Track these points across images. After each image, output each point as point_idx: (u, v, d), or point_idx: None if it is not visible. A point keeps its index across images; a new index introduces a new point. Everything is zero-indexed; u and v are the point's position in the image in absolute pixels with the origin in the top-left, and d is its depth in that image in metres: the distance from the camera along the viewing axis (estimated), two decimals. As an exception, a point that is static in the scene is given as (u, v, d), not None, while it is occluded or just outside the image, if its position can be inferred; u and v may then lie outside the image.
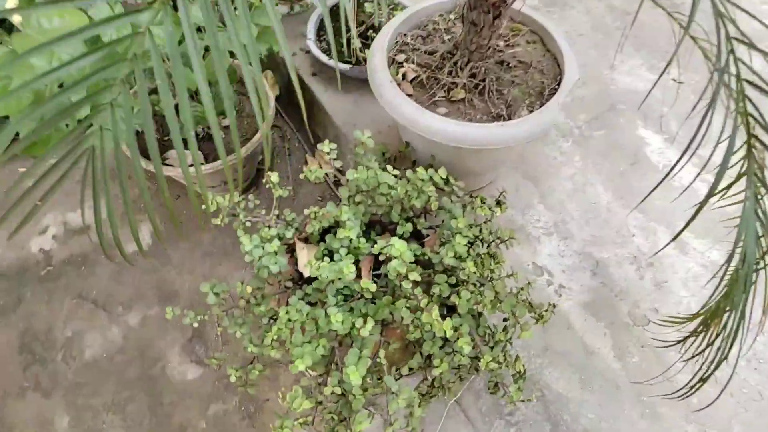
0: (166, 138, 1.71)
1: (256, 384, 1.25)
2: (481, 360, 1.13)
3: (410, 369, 1.24)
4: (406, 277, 1.06)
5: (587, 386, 1.42)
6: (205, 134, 1.71)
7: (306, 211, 1.28)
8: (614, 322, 1.50)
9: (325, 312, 1.02)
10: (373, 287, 1.07)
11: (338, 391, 1.10)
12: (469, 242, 1.28)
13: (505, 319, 1.23)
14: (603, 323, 1.50)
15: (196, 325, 1.22)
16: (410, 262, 1.07)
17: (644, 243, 1.62)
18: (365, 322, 1.07)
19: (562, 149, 1.79)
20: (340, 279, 1.01)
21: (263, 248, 1.12)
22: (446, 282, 1.18)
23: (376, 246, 1.14)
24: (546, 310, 1.20)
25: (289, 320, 1.04)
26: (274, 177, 1.28)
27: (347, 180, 1.21)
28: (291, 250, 1.35)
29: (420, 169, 1.21)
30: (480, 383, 1.44)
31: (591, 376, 1.43)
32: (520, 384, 1.16)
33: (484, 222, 1.34)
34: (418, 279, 1.07)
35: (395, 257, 1.04)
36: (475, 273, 1.19)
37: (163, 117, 1.76)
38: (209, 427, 1.49)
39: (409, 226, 1.29)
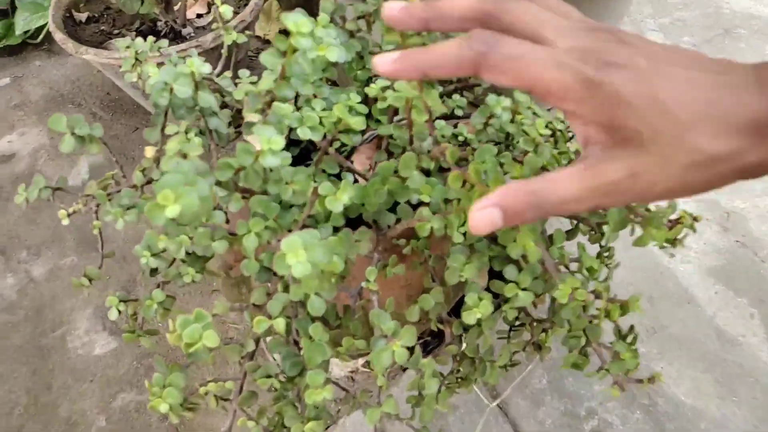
0: (117, 32, 1.28)
1: (153, 333, 0.71)
2: (560, 288, 0.58)
3: (425, 318, 0.70)
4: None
5: (728, 393, 0.83)
6: (170, 30, 1.27)
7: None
8: (765, 299, 0.93)
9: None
10: (358, 123, 0.56)
11: (282, 325, 0.57)
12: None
13: (602, 248, 0.69)
14: (746, 299, 0.93)
15: (66, 222, 0.73)
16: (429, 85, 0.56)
17: (798, 191, 1.06)
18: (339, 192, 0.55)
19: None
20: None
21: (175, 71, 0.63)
22: (494, 157, 0.66)
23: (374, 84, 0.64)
24: (679, 221, 0.66)
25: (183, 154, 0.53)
26: (223, 8, 0.81)
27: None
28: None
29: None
30: (542, 379, 0.87)
31: (732, 378, 0.85)
32: (634, 341, 0.60)
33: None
34: (442, 110, 0.56)
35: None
36: (545, 142, 0.67)
37: (117, 10, 1.34)
38: (110, 424, 0.95)
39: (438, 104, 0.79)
